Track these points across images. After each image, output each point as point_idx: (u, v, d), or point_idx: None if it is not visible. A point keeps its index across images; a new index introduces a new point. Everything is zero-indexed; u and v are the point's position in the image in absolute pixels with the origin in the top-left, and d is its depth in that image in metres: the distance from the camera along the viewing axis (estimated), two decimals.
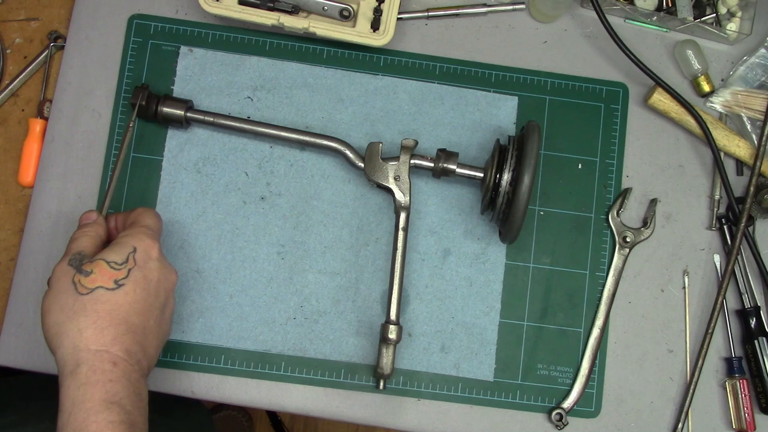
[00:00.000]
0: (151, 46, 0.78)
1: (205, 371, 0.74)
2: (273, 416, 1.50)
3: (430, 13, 0.79)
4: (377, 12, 0.74)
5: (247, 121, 0.75)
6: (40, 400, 0.75)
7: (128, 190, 0.75)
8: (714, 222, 0.78)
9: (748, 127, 0.79)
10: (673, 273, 0.78)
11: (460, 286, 0.76)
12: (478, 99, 0.79)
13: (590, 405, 0.75)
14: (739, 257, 0.77)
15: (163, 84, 0.77)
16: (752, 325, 0.76)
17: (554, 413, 0.74)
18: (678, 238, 0.78)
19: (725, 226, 0.78)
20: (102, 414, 0.52)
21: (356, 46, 0.77)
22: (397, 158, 0.72)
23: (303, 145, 0.76)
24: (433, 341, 0.75)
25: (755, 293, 0.77)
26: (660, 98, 0.77)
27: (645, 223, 0.78)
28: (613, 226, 0.77)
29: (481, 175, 0.72)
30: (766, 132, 0.76)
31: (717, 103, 0.80)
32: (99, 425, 0.52)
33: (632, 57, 0.76)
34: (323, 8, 0.76)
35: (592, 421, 0.75)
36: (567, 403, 0.75)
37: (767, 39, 0.80)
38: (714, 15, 0.80)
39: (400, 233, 0.72)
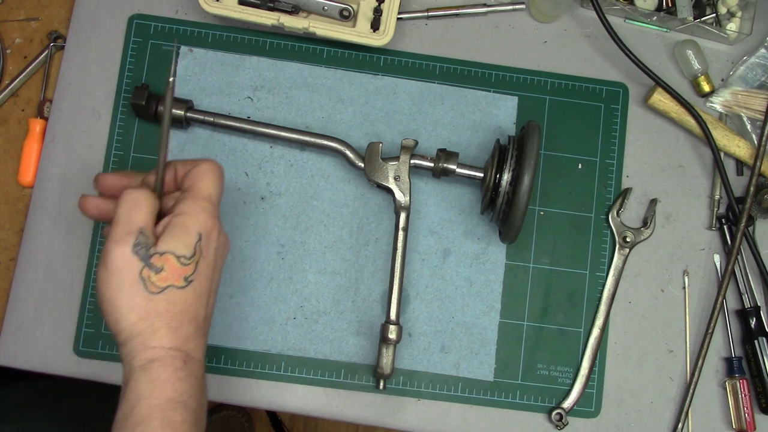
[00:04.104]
0: (151, 46, 0.78)
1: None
2: (273, 416, 1.50)
3: (430, 13, 0.79)
4: (377, 12, 0.74)
5: (247, 121, 0.75)
6: (40, 409, 0.75)
7: None
8: (714, 222, 0.78)
9: (748, 127, 0.79)
10: (673, 273, 0.78)
11: (460, 286, 0.76)
12: (478, 99, 0.79)
13: (590, 405, 0.75)
14: (739, 257, 0.77)
15: (163, 84, 0.77)
16: (752, 325, 0.76)
17: (554, 413, 0.74)
18: (678, 238, 0.78)
19: (725, 226, 0.78)
20: (167, 413, 0.51)
21: (356, 46, 0.77)
22: (397, 158, 0.72)
23: (303, 145, 0.76)
24: (433, 341, 0.75)
25: (755, 293, 0.77)
26: (660, 98, 0.77)
27: (645, 223, 0.78)
28: (613, 226, 0.77)
29: (481, 175, 0.72)
30: (766, 132, 0.76)
31: (717, 103, 0.80)
32: (162, 423, 0.51)
33: (632, 57, 0.76)
34: (323, 8, 0.76)
35: (592, 421, 0.75)
36: (567, 403, 0.75)
37: (767, 39, 0.80)
38: (714, 15, 0.80)
39: (400, 233, 0.72)
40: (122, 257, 0.53)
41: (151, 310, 0.53)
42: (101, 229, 0.75)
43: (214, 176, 0.59)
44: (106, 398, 0.77)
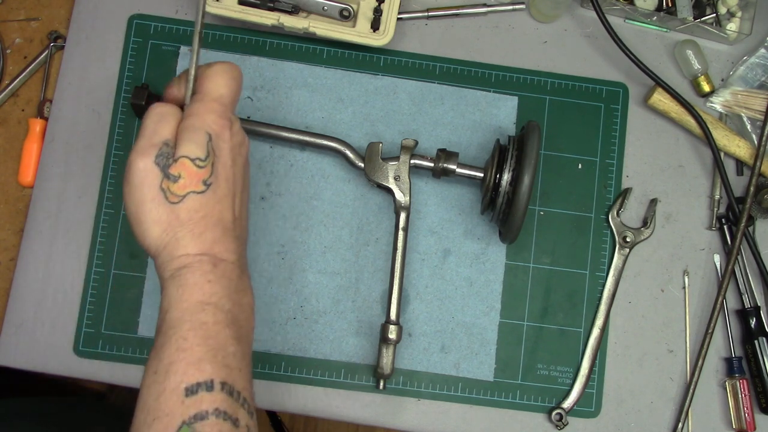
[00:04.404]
0: (151, 46, 0.78)
1: None
2: (273, 416, 1.50)
3: (430, 13, 0.79)
4: (377, 12, 0.74)
5: (247, 121, 0.75)
6: (28, 424, 0.74)
7: None
8: (714, 222, 0.78)
9: (748, 127, 0.79)
10: (673, 273, 0.78)
11: (460, 286, 0.76)
12: (478, 99, 0.79)
13: (590, 405, 0.75)
14: (739, 257, 0.77)
15: (163, 84, 0.77)
16: (752, 325, 0.76)
17: (554, 413, 0.74)
18: (678, 238, 0.78)
19: (725, 226, 0.78)
20: (196, 315, 0.51)
21: (356, 46, 0.77)
22: (397, 158, 0.72)
23: (303, 145, 0.76)
24: (433, 341, 0.75)
25: (755, 293, 0.77)
26: (660, 98, 0.77)
27: (645, 223, 0.78)
28: (613, 226, 0.77)
29: (481, 175, 0.72)
30: (766, 132, 0.76)
31: (717, 103, 0.80)
32: (192, 325, 0.51)
33: (632, 57, 0.76)
34: (323, 8, 0.76)
35: (592, 421, 0.75)
36: (567, 403, 0.75)
37: (767, 39, 0.80)
38: (714, 15, 0.80)
39: (400, 233, 0.72)
40: (144, 170, 0.53)
41: (173, 221, 0.53)
42: (101, 229, 0.75)
43: (225, 76, 0.57)
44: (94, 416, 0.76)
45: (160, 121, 0.55)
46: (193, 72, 0.58)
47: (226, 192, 0.55)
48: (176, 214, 0.53)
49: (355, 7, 0.76)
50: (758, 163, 0.76)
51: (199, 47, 0.58)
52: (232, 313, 0.53)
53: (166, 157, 0.53)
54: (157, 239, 0.53)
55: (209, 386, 0.48)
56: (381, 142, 0.72)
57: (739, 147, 0.78)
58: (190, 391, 0.48)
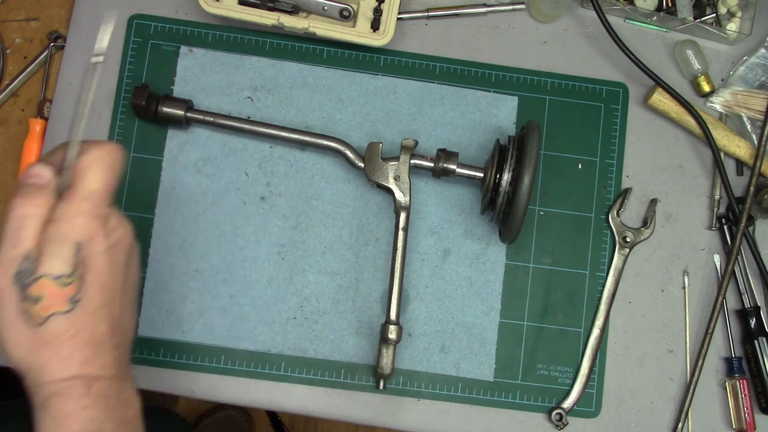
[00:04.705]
0: (151, 46, 0.78)
1: (205, 371, 0.74)
2: (273, 416, 1.50)
3: (430, 13, 0.79)
4: (377, 12, 0.74)
5: (247, 121, 0.75)
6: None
7: (128, 190, 0.75)
8: (714, 222, 0.78)
9: (748, 127, 0.79)
10: (673, 273, 0.78)
11: (460, 286, 0.76)
12: (478, 99, 0.79)
13: (590, 405, 0.75)
14: (739, 257, 0.77)
15: (163, 84, 0.77)
16: (752, 325, 0.76)
17: (554, 413, 0.74)
18: (678, 238, 0.78)
19: (725, 226, 0.78)
20: None
21: (356, 46, 0.77)
22: (397, 158, 0.72)
23: (303, 145, 0.76)
24: (433, 341, 0.75)
25: (755, 293, 0.77)
26: (660, 98, 0.77)
27: (645, 223, 0.78)
28: (613, 226, 0.77)
29: (481, 175, 0.72)
30: (766, 132, 0.76)
31: (717, 103, 0.80)
32: None
33: (632, 57, 0.76)
34: (323, 8, 0.76)
35: (592, 421, 0.75)
36: (567, 403, 0.75)
37: (767, 39, 0.80)
38: (714, 15, 0.80)
39: (400, 233, 0.72)
40: (1, 289, 0.47)
41: (37, 343, 0.48)
42: None
43: (99, 167, 0.50)
44: None
45: (22, 227, 0.48)
46: (74, 152, 0.50)
47: (101, 303, 0.50)
48: (39, 336, 0.48)
49: (355, 7, 0.76)
50: (758, 163, 0.76)
51: (81, 129, 0.52)
52: None
53: (26, 275, 0.47)
54: (21, 362, 0.48)
55: None
56: (381, 142, 0.72)
57: (739, 147, 0.78)
58: None
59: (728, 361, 0.76)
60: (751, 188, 0.76)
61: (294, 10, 0.76)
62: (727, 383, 0.76)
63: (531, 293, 0.76)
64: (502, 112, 0.79)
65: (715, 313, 0.75)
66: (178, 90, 0.77)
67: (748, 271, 0.77)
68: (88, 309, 0.49)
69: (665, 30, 0.81)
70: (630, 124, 0.80)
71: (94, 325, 0.49)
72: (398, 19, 0.76)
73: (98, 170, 0.50)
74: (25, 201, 0.48)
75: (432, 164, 0.72)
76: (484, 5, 0.80)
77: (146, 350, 0.73)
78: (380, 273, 0.75)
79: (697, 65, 0.79)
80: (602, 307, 0.76)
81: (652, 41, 0.81)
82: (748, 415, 0.74)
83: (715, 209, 0.78)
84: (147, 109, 0.72)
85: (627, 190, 0.78)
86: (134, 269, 0.55)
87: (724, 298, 0.76)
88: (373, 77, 0.79)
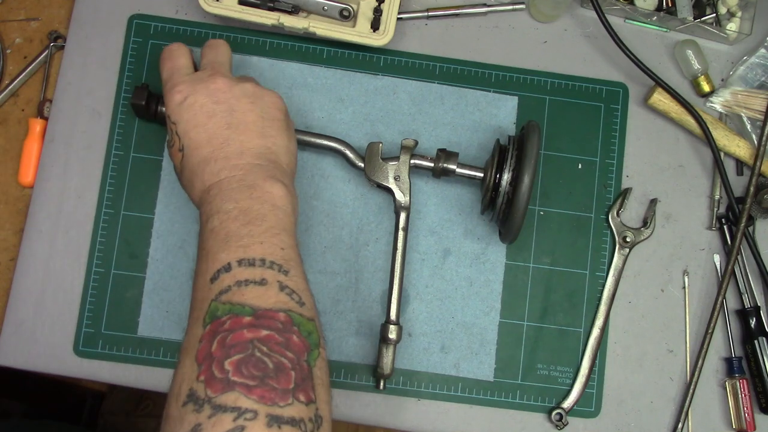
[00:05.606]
0: (151, 46, 0.78)
1: None
2: None
3: (430, 13, 0.79)
4: (377, 12, 0.74)
5: None
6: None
7: (128, 190, 0.75)
8: (714, 222, 0.78)
9: (748, 127, 0.79)
10: (673, 273, 0.78)
11: (460, 286, 0.76)
12: (478, 99, 0.79)
13: (590, 405, 0.75)
14: (739, 257, 0.77)
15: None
16: (752, 325, 0.76)
17: (554, 413, 0.74)
18: (678, 238, 0.78)
19: (725, 226, 0.78)
20: (206, 227, 0.57)
21: (356, 46, 0.77)
22: (397, 158, 0.72)
23: (303, 145, 0.76)
24: (433, 341, 0.75)
25: (755, 293, 0.77)
26: (660, 98, 0.77)
27: (645, 223, 0.78)
28: (613, 226, 0.77)
29: (481, 175, 0.72)
30: (766, 132, 0.76)
31: (717, 103, 0.80)
32: (205, 236, 0.56)
33: (632, 57, 0.76)
34: (323, 8, 0.76)
35: (592, 421, 0.75)
36: (567, 403, 0.75)
37: (767, 39, 0.80)
38: (714, 15, 0.80)
39: (400, 233, 0.72)
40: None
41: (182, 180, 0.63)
42: (101, 229, 0.75)
43: (185, 50, 0.67)
44: None
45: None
46: None
47: (197, 141, 0.61)
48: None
49: (355, 7, 0.76)
50: (758, 163, 0.76)
51: None
52: (236, 208, 0.56)
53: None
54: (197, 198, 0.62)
55: (227, 268, 0.52)
56: (381, 142, 0.72)
57: (739, 147, 0.78)
58: (213, 278, 0.53)
59: (728, 361, 0.76)
60: (751, 188, 0.76)
61: (294, 10, 0.76)
62: (727, 383, 0.76)
63: (531, 293, 0.76)
64: (502, 112, 0.79)
65: (715, 313, 0.75)
66: None
67: (748, 271, 0.77)
68: (190, 151, 0.62)
69: (665, 30, 0.81)
70: (630, 124, 0.80)
71: (206, 159, 0.60)
72: (398, 19, 0.76)
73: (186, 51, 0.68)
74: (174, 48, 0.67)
75: (432, 164, 0.72)
76: (484, 5, 0.80)
77: (146, 350, 0.73)
78: (380, 273, 0.75)
79: (697, 65, 0.79)
80: (602, 307, 0.76)
81: (652, 41, 0.81)
82: (748, 415, 0.74)
83: (715, 209, 0.78)
84: (147, 109, 0.72)
85: (627, 190, 0.78)
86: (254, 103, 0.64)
87: (724, 298, 0.76)
88: (373, 77, 0.79)
